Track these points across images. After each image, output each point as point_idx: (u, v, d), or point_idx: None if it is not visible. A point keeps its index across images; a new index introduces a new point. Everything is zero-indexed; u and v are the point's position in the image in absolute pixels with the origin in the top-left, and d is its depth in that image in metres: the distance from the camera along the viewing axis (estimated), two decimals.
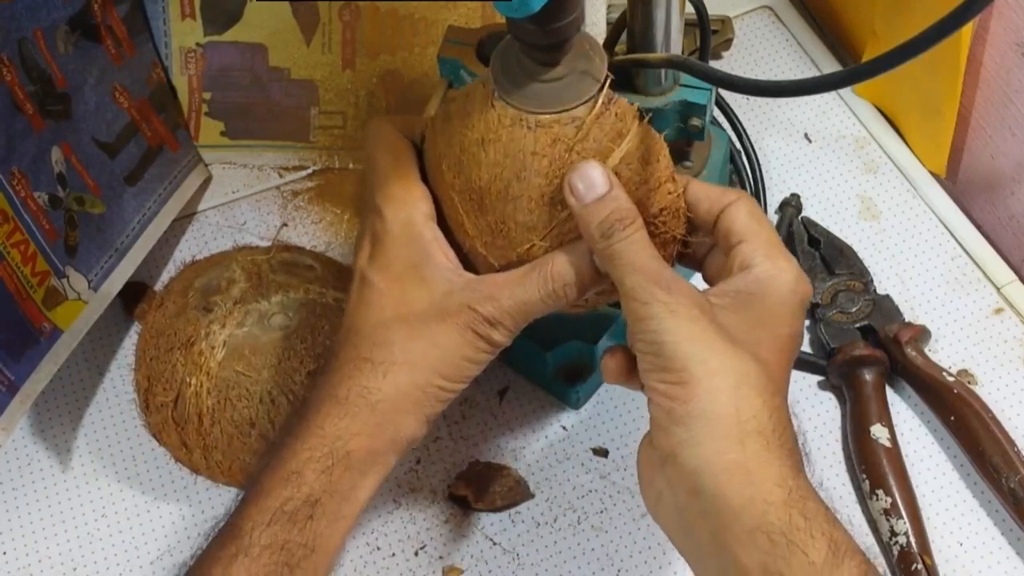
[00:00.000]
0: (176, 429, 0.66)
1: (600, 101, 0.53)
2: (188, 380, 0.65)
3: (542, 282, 0.54)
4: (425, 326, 0.54)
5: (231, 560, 0.52)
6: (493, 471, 0.70)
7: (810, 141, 0.82)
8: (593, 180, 0.51)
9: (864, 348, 0.70)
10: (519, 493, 0.69)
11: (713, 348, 0.48)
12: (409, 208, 0.56)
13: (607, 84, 0.53)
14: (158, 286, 0.78)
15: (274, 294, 0.67)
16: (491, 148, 0.53)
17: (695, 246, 0.57)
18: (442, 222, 0.57)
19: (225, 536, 0.53)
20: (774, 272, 0.52)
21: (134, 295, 0.77)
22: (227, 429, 0.65)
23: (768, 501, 0.46)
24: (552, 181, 0.53)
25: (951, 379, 0.69)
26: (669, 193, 0.55)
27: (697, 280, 0.59)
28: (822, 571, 0.45)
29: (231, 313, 0.66)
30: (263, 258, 0.69)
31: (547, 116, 0.52)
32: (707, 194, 0.55)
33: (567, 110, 0.53)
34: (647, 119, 0.55)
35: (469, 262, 0.57)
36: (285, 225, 0.80)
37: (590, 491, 0.70)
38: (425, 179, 0.58)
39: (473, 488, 0.69)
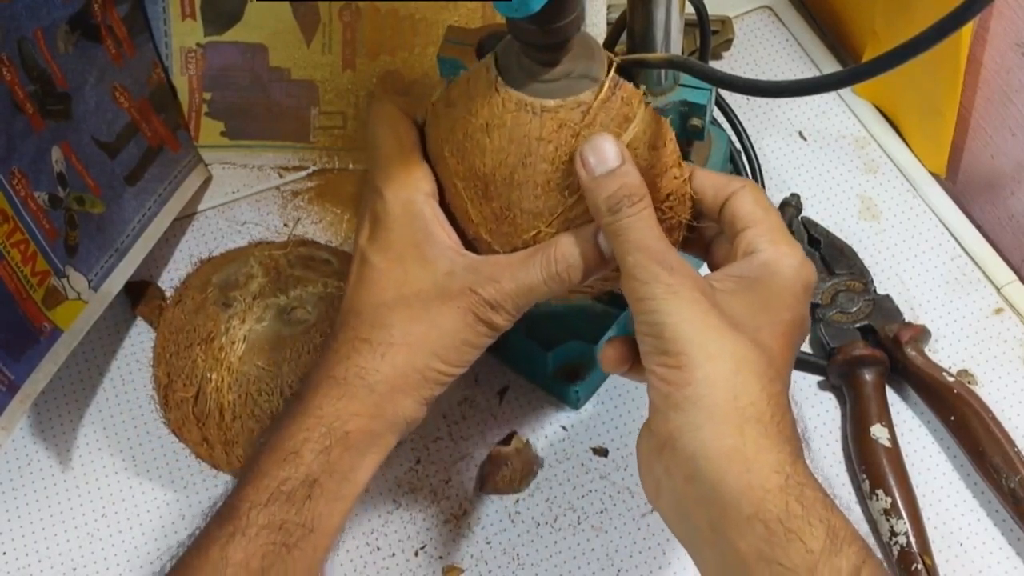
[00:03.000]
0: (197, 425, 0.66)
1: (606, 86, 0.52)
2: (209, 375, 0.65)
3: (545, 264, 0.53)
4: (425, 308, 0.54)
5: (228, 540, 0.52)
6: (502, 458, 0.70)
7: (805, 139, 0.82)
8: (605, 154, 0.51)
9: (864, 348, 0.70)
10: (524, 478, 0.69)
11: (713, 332, 0.48)
12: (410, 188, 0.55)
13: (613, 69, 0.53)
14: (160, 285, 0.79)
15: (292, 288, 0.67)
16: (496, 134, 0.53)
17: (701, 232, 0.57)
18: (445, 208, 0.56)
19: (223, 516, 0.53)
20: (778, 257, 0.52)
21: (138, 293, 0.77)
22: (248, 424, 0.65)
23: (765, 488, 0.46)
24: (558, 167, 0.52)
25: (951, 379, 0.69)
26: (675, 178, 0.55)
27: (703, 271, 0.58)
28: (820, 559, 0.44)
29: (250, 308, 0.66)
30: (280, 253, 0.69)
31: (553, 101, 0.52)
32: (713, 182, 0.55)
33: (573, 97, 0.52)
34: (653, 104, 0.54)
35: (473, 248, 0.56)
36: (299, 220, 0.80)
37: (590, 491, 0.70)
38: (427, 160, 0.57)
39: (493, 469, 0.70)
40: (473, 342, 0.55)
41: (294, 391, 0.61)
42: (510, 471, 0.69)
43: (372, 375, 0.54)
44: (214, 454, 0.67)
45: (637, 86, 0.63)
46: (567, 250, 0.53)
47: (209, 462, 0.69)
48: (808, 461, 0.69)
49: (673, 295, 0.48)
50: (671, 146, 0.55)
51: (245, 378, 0.64)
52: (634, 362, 0.52)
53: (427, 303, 0.54)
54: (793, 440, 0.48)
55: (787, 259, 0.52)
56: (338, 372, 0.54)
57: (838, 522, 0.46)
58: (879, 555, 0.66)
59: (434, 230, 0.55)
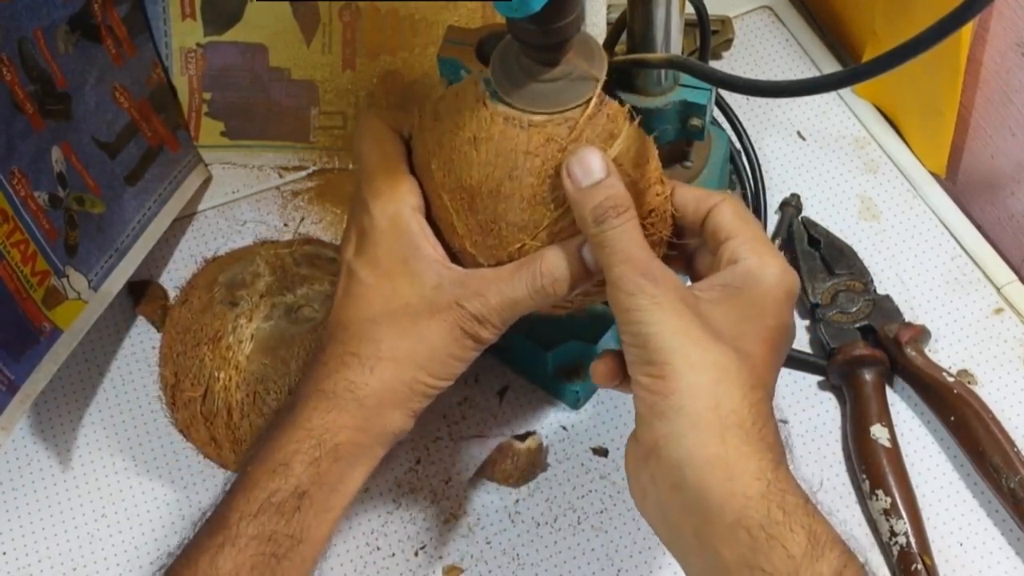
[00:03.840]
0: (205, 424, 0.66)
1: (593, 102, 0.53)
2: (216, 375, 0.65)
3: (531, 278, 0.54)
4: (413, 323, 0.54)
5: (218, 550, 0.52)
6: (512, 452, 0.70)
7: (803, 139, 0.82)
8: (591, 165, 0.51)
9: (864, 348, 0.70)
10: (523, 477, 0.69)
11: (695, 342, 0.48)
12: (397, 202, 0.56)
13: (600, 85, 0.53)
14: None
15: (299, 287, 0.67)
16: (483, 147, 0.53)
17: (683, 248, 0.57)
18: (431, 220, 0.57)
19: (212, 526, 0.53)
20: (760, 265, 0.52)
21: (140, 292, 0.77)
22: (256, 422, 0.65)
23: (747, 495, 0.46)
24: (544, 181, 0.53)
25: (951, 379, 0.69)
26: (658, 195, 0.55)
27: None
28: (802, 564, 0.45)
29: (257, 307, 0.66)
30: (286, 251, 0.69)
31: (540, 116, 0.53)
32: (694, 195, 0.56)
33: (560, 111, 0.53)
34: (638, 121, 0.55)
35: (457, 261, 0.57)
36: (303, 219, 0.80)
37: (590, 491, 0.70)
38: (414, 172, 0.57)
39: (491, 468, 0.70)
40: (459, 355, 0.55)
41: (283, 403, 0.61)
42: (513, 466, 0.69)
43: (361, 389, 0.54)
44: (222, 453, 0.67)
45: (637, 87, 0.63)
46: (553, 264, 0.54)
47: (217, 461, 0.69)
48: (807, 464, 0.69)
49: (657, 306, 0.49)
50: (654, 163, 0.55)
51: (253, 377, 0.64)
52: (625, 376, 0.53)
53: (414, 317, 0.54)
54: (775, 447, 0.48)
55: (770, 267, 0.52)
56: (327, 386, 0.55)
57: (819, 527, 0.46)
58: (879, 556, 0.66)
59: (421, 244, 0.55)
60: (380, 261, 0.55)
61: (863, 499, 0.68)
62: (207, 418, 0.66)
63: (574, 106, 0.53)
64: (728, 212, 0.54)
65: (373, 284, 0.55)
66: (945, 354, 0.72)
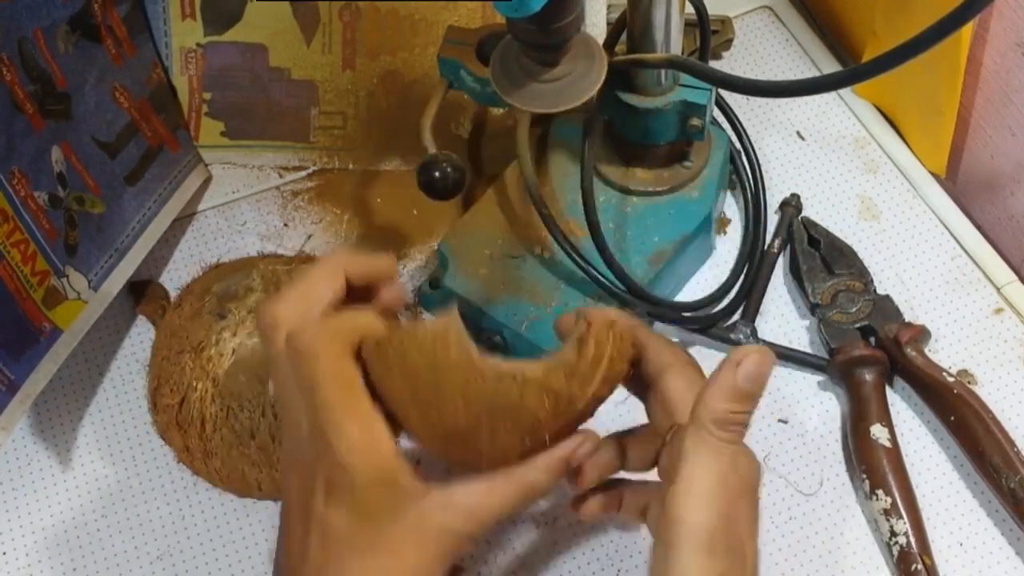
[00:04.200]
0: (179, 431, 0.66)
1: (580, 352, 0.51)
2: (194, 384, 0.64)
3: (521, 492, 0.52)
4: (400, 559, 0.51)
5: None
6: None
7: (803, 139, 0.82)
8: (760, 379, 0.51)
9: (864, 348, 0.70)
10: None
11: None
12: (366, 445, 0.51)
13: (592, 329, 0.51)
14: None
15: None
16: (473, 405, 0.50)
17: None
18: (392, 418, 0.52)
19: None
20: (692, 451, 0.51)
21: (140, 291, 0.77)
22: (227, 437, 0.64)
23: None
24: (536, 426, 0.50)
25: (951, 379, 0.69)
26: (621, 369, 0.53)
27: None
28: None
29: (243, 322, 0.65)
30: (284, 269, 0.68)
31: (539, 367, 0.50)
32: (655, 354, 0.55)
33: (554, 357, 0.51)
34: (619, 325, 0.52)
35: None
36: (310, 236, 0.80)
37: None
38: (374, 396, 0.52)
39: None
40: (444, 567, 0.52)
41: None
42: None
43: None
44: (195, 463, 0.67)
45: (637, 87, 0.63)
46: (542, 481, 0.52)
47: (190, 469, 0.68)
48: (806, 464, 0.69)
49: (688, 541, 0.49)
50: (633, 350, 0.54)
51: (228, 392, 0.64)
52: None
53: (399, 554, 0.51)
54: None
55: (701, 475, 0.50)
56: None
57: None
58: (879, 555, 0.66)
59: (399, 479, 0.51)
60: (357, 507, 0.51)
61: (863, 499, 0.68)
62: (182, 426, 0.65)
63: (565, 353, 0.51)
64: (670, 387, 0.54)
65: (355, 533, 0.51)
66: (945, 354, 0.72)
